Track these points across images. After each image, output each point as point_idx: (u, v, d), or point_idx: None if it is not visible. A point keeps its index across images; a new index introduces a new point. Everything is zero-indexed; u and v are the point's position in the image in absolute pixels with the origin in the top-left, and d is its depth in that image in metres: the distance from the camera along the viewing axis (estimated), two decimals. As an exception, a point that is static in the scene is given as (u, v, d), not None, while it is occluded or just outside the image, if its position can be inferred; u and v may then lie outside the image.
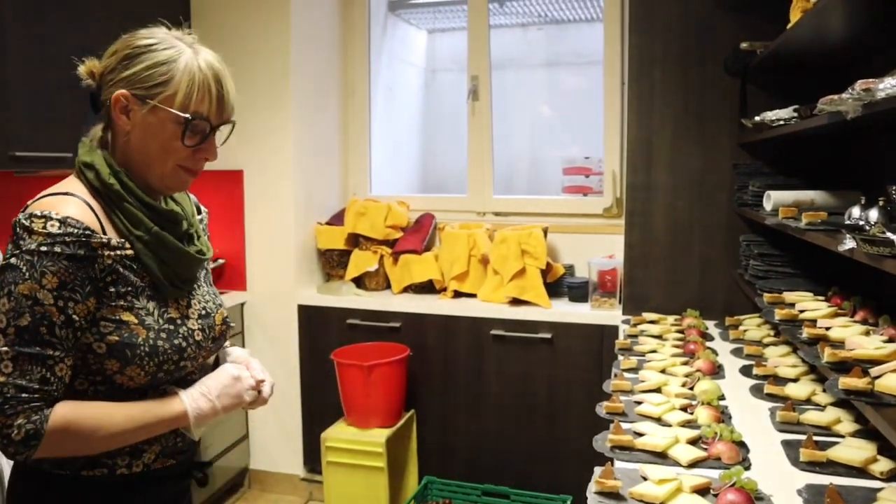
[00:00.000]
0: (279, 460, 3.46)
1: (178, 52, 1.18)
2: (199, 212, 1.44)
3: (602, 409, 1.83)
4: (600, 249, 3.28)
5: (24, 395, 1.06)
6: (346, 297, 3.33)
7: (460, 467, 3.19)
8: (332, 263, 3.56)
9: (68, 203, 1.13)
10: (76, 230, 1.09)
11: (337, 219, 3.60)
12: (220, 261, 3.40)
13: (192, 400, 1.22)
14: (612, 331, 2.88)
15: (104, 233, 1.15)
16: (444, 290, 3.35)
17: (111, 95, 1.18)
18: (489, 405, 3.13)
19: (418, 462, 3.22)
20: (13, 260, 1.08)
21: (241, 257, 3.41)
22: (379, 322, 3.24)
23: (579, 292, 3.16)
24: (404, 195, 3.75)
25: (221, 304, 1.39)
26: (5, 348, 1.06)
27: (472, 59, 3.60)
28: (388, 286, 3.49)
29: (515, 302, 3.13)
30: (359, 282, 3.50)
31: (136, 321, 1.17)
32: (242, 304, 3.39)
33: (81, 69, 1.23)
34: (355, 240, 3.52)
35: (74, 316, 1.10)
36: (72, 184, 1.19)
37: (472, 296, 3.29)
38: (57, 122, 2.43)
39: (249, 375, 1.32)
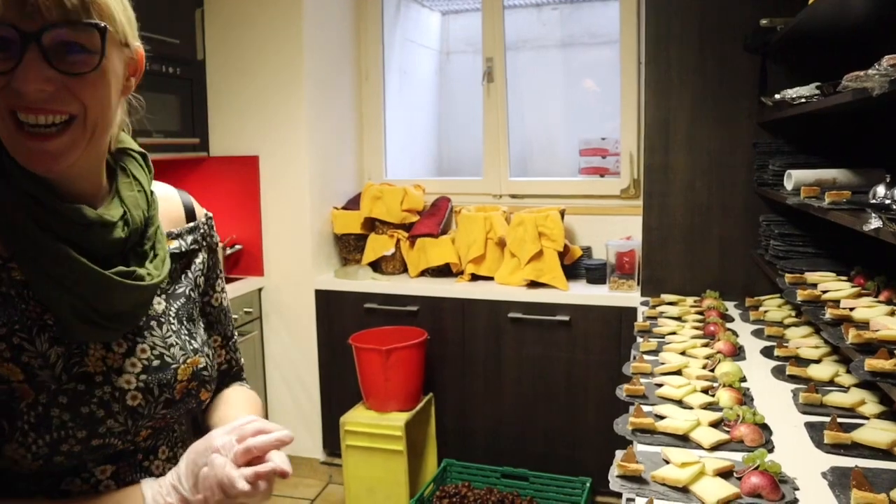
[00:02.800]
0: (298, 444, 3.49)
1: None
2: (192, 218, 1.06)
3: (622, 391, 1.82)
4: (618, 231, 3.26)
5: None
6: (363, 282, 3.33)
7: (479, 450, 3.20)
8: (349, 248, 3.56)
9: None
10: None
11: (353, 203, 3.60)
12: (238, 247, 3.42)
13: (155, 498, 0.84)
14: (630, 313, 2.87)
15: None
16: (461, 273, 3.34)
17: None
18: (507, 388, 3.13)
19: (437, 445, 3.23)
20: None
21: (258, 243, 3.43)
22: (396, 306, 3.24)
23: (597, 274, 3.14)
24: (420, 179, 3.75)
25: (199, 351, 0.98)
26: None
27: (486, 40, 3.56)
28: (405, 270, 3.49)
29: (533, 284, 3.12)
30: (376, 266, 3.50)
31: (20, 377, 0.79)
32: (260, 290, 3.41)
33: None
34: (371, 224, 3.52)
35: None
36: None
37: (490, 279, 3.28)
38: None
39: (230, 451, 0.84)
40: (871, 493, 1.20)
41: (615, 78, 3.37)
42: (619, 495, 1.36)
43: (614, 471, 1.37)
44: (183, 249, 1.01)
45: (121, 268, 0.85)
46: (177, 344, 0.95)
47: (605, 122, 3.72)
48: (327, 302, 3.36)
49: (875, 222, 1.34)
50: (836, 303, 1.69)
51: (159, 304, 0.95)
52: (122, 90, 0.88)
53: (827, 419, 1.56)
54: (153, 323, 0.93)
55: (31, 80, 0.75)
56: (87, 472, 0.86)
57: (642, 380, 1.88)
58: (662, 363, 2.00)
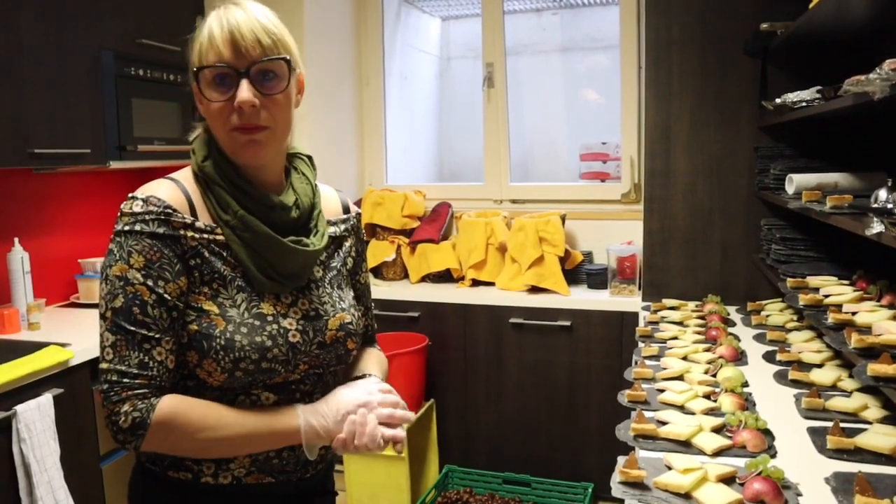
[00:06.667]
0: (301, 450, 3.48)
1: (211, 14, 1.12)
2: (347, 211, 1.35)
3: (624, 397, 1.82)
4: (619, 236, 3.25)
5: (125, 380, 1.05)
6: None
7: (481, 456, 3.19)
8: (350, 254, 3.56)
9: (160, 185, 1.13)
10: (156, 208, 1.09)
11: (354, 209, 3.60)
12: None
13: (306, 417, 1.14)
14: (631, 318, 2.86)
15: (195, 215, 1.12)
16: (462, 278, 3.34)
17: None
18: (509, 393, 3.13)
19: (439, 451, 3.23)
20: (110, 245, 1.10)
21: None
22: (397, 312, 3.24)
23: (598, 279, 3.14)
24: (420, 184, 3.75)
25: (346, 310, 1.25)
26: (106, 334, 1.07)
27: (486, 45, 3.57)
28: (406, 276, 3.48)
29: (534, 290, 3.12)
30: (376, 272, 3.50)
31: (216, 311, 1.11)
32: (261, 296, 3.40)
33: None
34: (372, 230, 3.52)
35: (166, 295, 1.07)
36: (183, 170, 1.19)
37: (491, 284, 3.28)
38: (74, 119, 2.44)
39: (373, 410, 1.16)
40: (875, 498, 1.20)
41: (615, 82, 3.37)
42: (621, 501, 1.36)
43: (616, 477, 1.36)
44: (337, 234, 1.31)
45: (292, 237, 1.16)
46: (328, 302, 1.23)
47: (605, 126, 3.72)
48: (328, 308, 3.35)
49: (877, 227, 1.34)
50: (839, 307, 1.69)
51: (318, 272, 1.24)
52: (295, 104, 1.20)
53: (830, 424, 1.56)
54: (312, 285, 1.22)
55: (246, 99, 1.08)
56: (255, 395, 1.15)
57: (644, 385, 1.87)
58: (664, 368, 1.99)
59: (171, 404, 1.07)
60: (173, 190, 1.13)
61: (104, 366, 1.06)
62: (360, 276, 1.37)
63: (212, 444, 1.10)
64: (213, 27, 1.10)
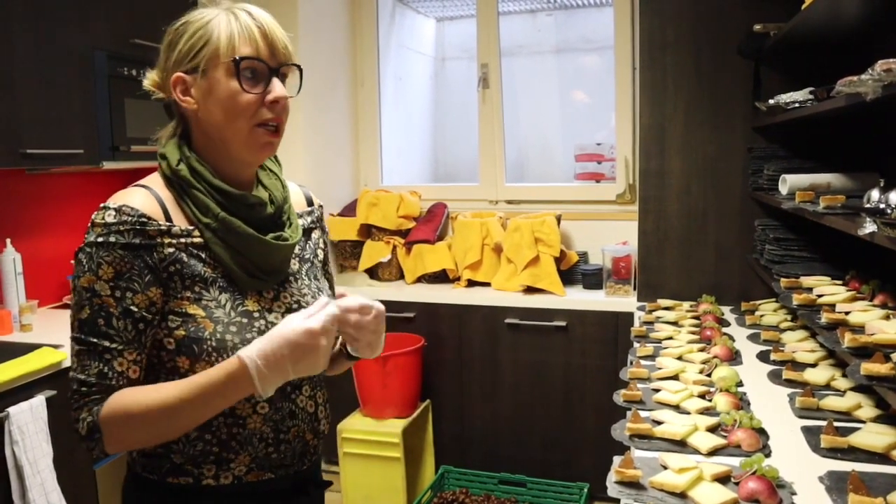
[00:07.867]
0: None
1: (213, 14, 1.13)
2: (311, 204, 1.37)
3: (619, 397, 1.82)
4: (614, 236, 3.26)
5: (83, 388, 1.06)
6: (360, 288, 3.33)
7: (476, 456, 3.19)
8: (345, 254, 3.56)
9: (132, 193, 1.12)
10: (130, 218, 1.07)
11: (349, 210, 3.60)
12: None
13: (250, 350, 1.03)
14: (627, 318, 2.87)
15: (169, 221, 1.11)
16: (458, 279, 3.34)
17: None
18: (505, 394, 3.13)
19: (434, 452, 3.22)
20: (79, 255, 1.08)
21: (254, 250, 3.42)
22: (393, 312, 3.23)
23: (593, 279, 3.14)
24: (416, 185, 3.75)
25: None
26: (73, 343, 1.08)
27: (481, 46, 3.57)
28: (402, 276, 3.48)
29: (529, 290, 3.12)
30: (372, 272, 3.50)
31: (203, 314, 1.10)
32: (256, 297, 3.39)
33: (147, 85, 1.20)
34: (368, 230, 3.52)
35: (133, 307, 1.06)
36: (151, 177, 1.18)
37: (486, 284, 3.28)
38: (67, 120, 2.44)
39: (324, 314, 1.05)
40: (868, 497, 1.20)
41: (610, 84, 3.38)
42: (617, 501, 1.36)
43: (612, 477, 1.36)
44: (305, 226, 1.32)
45: (273, 233, 1.18)
46: (308, 293, 1.25)
47: (600, 127, 3.73)
48: (323, 309, 3.34)
49: (870, 227, 1.35)
50: (832, 307, 1.70)
51: (295, 265, 1.26)
52: None
53: (823, 423, 1.56)
54: (291, 279, 1.24)
55: (284, 95, 1.13)
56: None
57: (639, 385, 1.88)
58: (659, 368, 2.00)
59: (113, 398, 1.05)
60: (146, 197, 1.12)
61: (70, 374, 1.08)
62: (328, 265, 1.40)
63: (167, 417, 1.04)
64: (247, 21, 1.12)
